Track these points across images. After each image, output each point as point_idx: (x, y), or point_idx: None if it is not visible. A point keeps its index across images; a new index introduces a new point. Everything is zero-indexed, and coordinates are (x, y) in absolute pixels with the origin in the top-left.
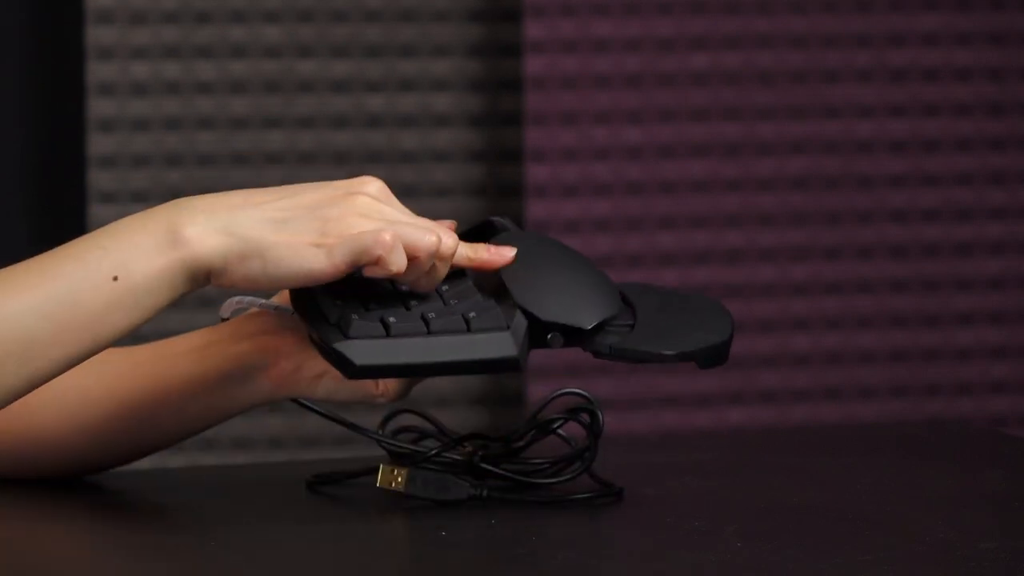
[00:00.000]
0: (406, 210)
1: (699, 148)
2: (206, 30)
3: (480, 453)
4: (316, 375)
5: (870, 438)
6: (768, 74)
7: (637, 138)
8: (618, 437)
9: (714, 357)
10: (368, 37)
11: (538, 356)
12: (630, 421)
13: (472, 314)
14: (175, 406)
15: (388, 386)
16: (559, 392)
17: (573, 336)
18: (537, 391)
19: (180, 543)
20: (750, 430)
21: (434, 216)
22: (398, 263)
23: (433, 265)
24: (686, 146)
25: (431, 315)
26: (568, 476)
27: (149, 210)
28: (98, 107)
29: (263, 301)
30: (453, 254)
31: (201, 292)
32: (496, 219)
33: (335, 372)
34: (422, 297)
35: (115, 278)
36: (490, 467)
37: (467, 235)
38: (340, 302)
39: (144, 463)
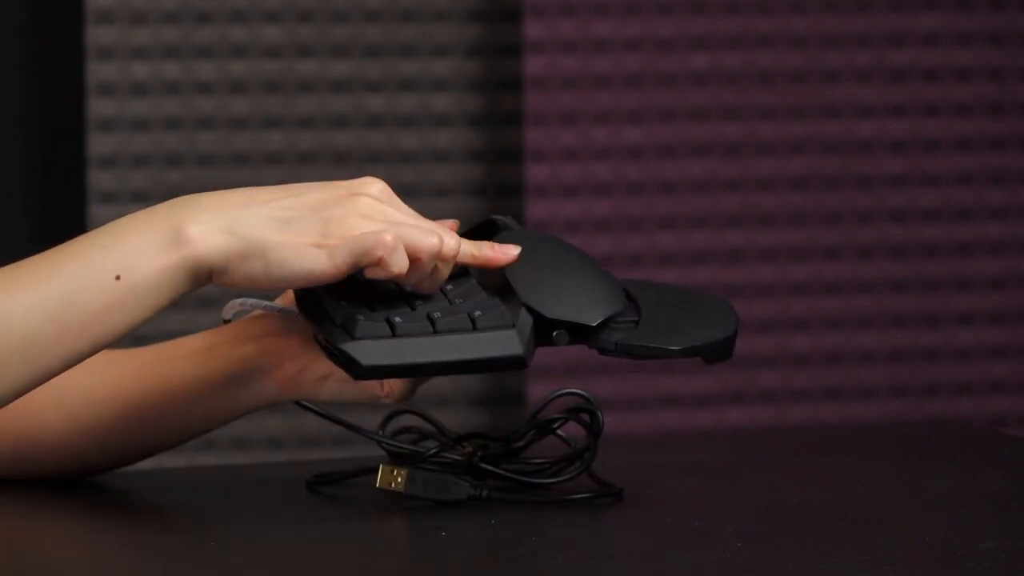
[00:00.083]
0: (410, 210)
1: (699, 148)
2: (206, 30)
3: (480, 453)
4: (321, 377)
5: (870, 438)
6: (768, 74)
7: (637, 138)
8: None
9: (719, 353)
10: (368, 37)
11: (538, 356)
12: (630, 421)
13: (477, 313)
14: (179, 408)
15: (393, 387)
16: (559, 392)
17: (578, 333)
18: (537, 391)
19: (180, 543)
20: (750, 430)
21: (435, 216)
22: (400, 264)
23: (435, 266)
24: (686, 146)
25: (436, 315)
26: (568, 476)
27: (151, 208)
28: (98, 107)
29: (267, 303)
30: (456, 254)
31: (202, 292)
32: (498, 218)
33: (340, 374)
34: (427, 297)
35: (117, 277)
36: (490, 467)
37: (469, 234)
38: (345, 303)
39: (144, 463)
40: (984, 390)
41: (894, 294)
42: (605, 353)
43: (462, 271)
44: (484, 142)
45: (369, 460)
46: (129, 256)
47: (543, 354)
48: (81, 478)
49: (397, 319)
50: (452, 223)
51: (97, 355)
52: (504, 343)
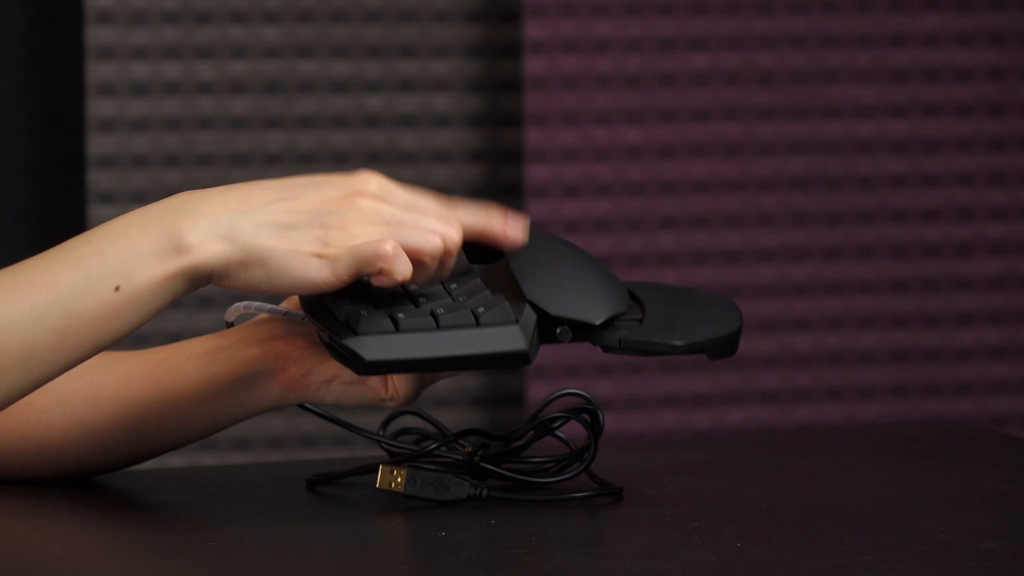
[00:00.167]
0: (411, 200)
1: (699, 148)
2: (206, 30)
3: (480, 453)
4: (325, 380)
5: (870, 438)
6: (768, 74)
7: (637, 138)
8: (618, 437)
9: (724, 348)
10: (368, 37)
11: (539, 356)
12: (630, 421)
13: (481, 309)
14: (182, 411)
15: (398, 389)
16: (559, 392)
17: (582, 331)
18: (537, 391)
19: (180, 543)
20: (750, 430)
21: None
22: (403, 271)
23: (440, 262)
24: (686, 146)
25: (440, 311)
26: (568, 476)
27: (148, 209)
28: (98, 107)
29: (271, 306)
30: (458, 246)
31: (203, 293)
32: None
33: (344, 376)
34: (431, 294)
35: (117, 288)
36: (490, 467)
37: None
38: (349, 300)
39: (145, 463)
40: (984, 390)
41: (894, 294)
42: (609, 350)
43: (467, 270)
44: (484, 142)
45: (369, 460)
46: (128, 264)
47: (543, 354)
48: (82, 478)
49: (400, 315)
50: None
51: (100, 356)
52: (508, 339)
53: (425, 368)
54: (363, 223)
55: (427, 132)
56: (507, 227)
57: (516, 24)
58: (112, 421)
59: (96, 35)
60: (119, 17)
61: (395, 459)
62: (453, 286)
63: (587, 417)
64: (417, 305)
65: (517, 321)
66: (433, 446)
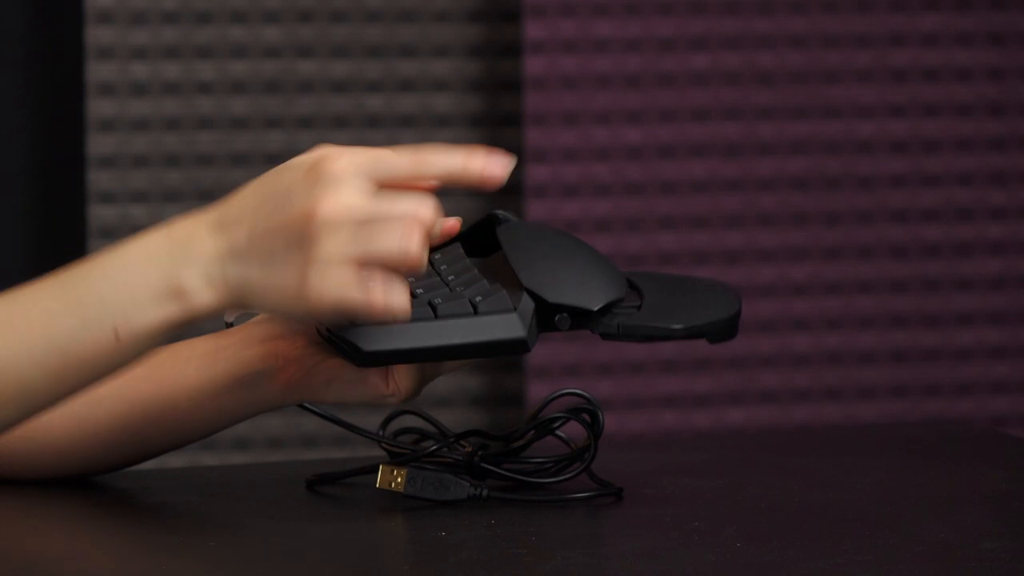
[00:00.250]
0: (378, 170)
1: (699, 148)
2: (206, 30)
3: (480, 453)
4: (326, 379)
5: (870, 438)
6: (768, 74)
7: (637, 138)
8: (618, 437)
9: (723, 332)
10: (368, 37)
11: (538, 356)
12: (630, 421)
13: (479, 298)
14: (183, 411)
15: (399, 386)
16: (559, 392)
17: (581, 318)
18: (537, 391)
19: (180, 543)
20: (750, 430)
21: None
22: (400, 303)
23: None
24: (686, 146)
25: (438, 300)
26: (568, 476)
27: (146, 245)
28: (98, 107)
29: None
30: (433, 219)
31: None
32: (499, 212)
33: (345, 376)
34: (429, 284)
35: (116, 335)
36: (490, 467)
37: (470, 230)
38: None
39: (145, 463)
40: (984, 390)
41: (894, 294)
42: (608, 337)
43: (463, 260)
44: (484, 142)
45: (369, 460)
46: (126, 310)
47: (543, 354)
48: (82, 478)
49: None
50: (455, 220)
51: None
52: (506, 326)
53: (424, 358)
54: (336, 265)
55: (427, 132)
56: (487, 167)
57: (516, 24)
58: (112, 421)
59: (96, 35)
60: (119, 17)
61: (395, 459)
62: (451, 277)
63: (587, 417)
64: (415, 295)
65: (515, 309)
66: (433, 446)
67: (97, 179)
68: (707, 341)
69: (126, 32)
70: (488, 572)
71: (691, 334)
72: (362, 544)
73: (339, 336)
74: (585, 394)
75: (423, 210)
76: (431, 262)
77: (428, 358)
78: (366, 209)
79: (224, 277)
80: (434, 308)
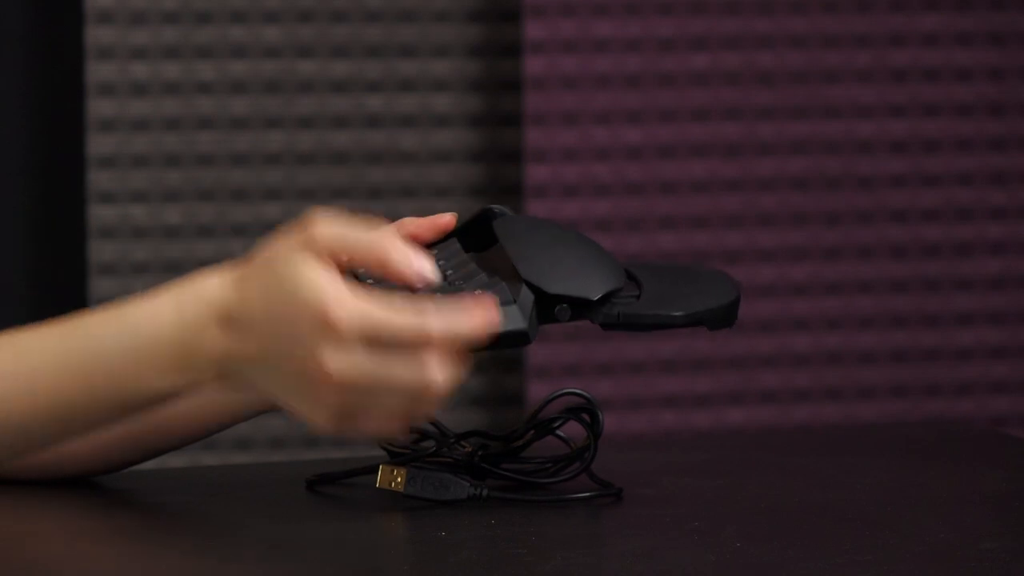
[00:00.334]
0: (379, 333)
1: (699, 148)
2: (206, 30)
3: (480, 453)
4: None
5: (870, 438)
6: (768, 74)
7: (637, 138)
8: (618, 437)
9: (722, 319)
10: (368, 37)
11: (538, 356)
12: (630, 421)
13: (478, 291)
14: (181, 412)
15: None
16: (559, 392)
17: (580, 308)
18: (537, 391)
19: (180, 543)
20: (750, 430)
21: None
22: (428, 415)
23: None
24: (686, 146)
25: (439, 295)
26: (568, 476)
27: (154, 323)
28: (98, 107)
29: None
30: (444, 387)
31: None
32: (494, 207)
33: None
34: None
35: (123, 403)
36: (490, 467)
37: (466, 225)
38: None
39: (145, 463)
40: (984, 390)
41: (894, 294)
42: (608, 327)
43: (462, 255)
44: (484, 142)
45: (369, 460)
46: (136, 384)
47: (544, 354)
48: (82, 478)
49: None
50: (450, 216)
51: None
52: (506, 318)
53: None
54: (341, 409)
55: (427, 132)
56: (490, 322)
57: (516, 24)
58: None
59: (96, 35)
60: (119, 17)
61: (395, 459)
62: (449, 271)
63: (586, 417)
64: (414, 291)
65: (515, 301)
66: (433, 446)
67: (97, 179)
68: (707, 328)
69: (126, 32)
70: (488, 572)
71: (691, 321)
72: (362, 544)
73: None
74: (585, 394)
75: (431, 380)
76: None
77: None
78: (374, 374)
79: (232, 370)
80: None
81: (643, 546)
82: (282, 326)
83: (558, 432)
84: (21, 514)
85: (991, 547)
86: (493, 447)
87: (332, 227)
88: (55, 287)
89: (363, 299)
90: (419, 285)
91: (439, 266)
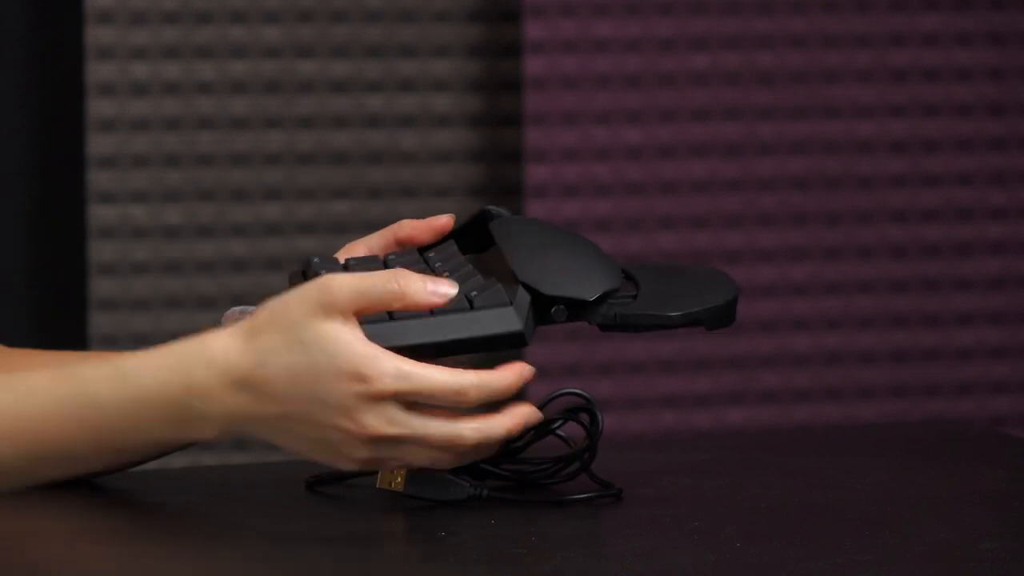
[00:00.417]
0: (417, 395)
1: (699, 148)
2: (206, 30)
3: None
4: None
5: (870, 438)
6: (768, 74)
7: (637, 138)
8: (618, 437)
9: (720, 319)
10: (368, 37)
11: (538, 356)
12: (630, 421)
13: (474, 292)
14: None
15: None
16: (559, 392)
17: (577, 309)
18: (537, 391)
19: (180, 543)
20: (750, 430)
21: (431, 216)
22: (482, 453)
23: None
24: (686, 146)
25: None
26: (567, 476)
27: (161, 386)
28: (98, 107)
29: None
30: (470, 445)
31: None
32: (491, 208)
33: None
34: None
35: (125, 454)
36: (490, 467)
37: (464, 227)
38: None
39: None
40: (984, 390)
41: (894, 294)
42: (605, 328)
43: (455, 255)
44: (484, 142)
45: None
46: (139, 440)
47: (543, 354)
48: (82, 479)
49: None
50: (447, 218)
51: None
52: (502, 320)
53: (423, 355)
54: (365, 458)
55: (427, 132)
56: (515, 378)
57: (516, 24)
58: None
59: (96, 35)
60: (119, 17)
61: None
62: (445, 273)
63: (585, 418)
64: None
65: (511, 302)
66: None
67: (97, 179)
68: (704, 328)
69: (126, 32)
70: (488, 572)
71: (688, 321)
72: (362, 544)
73: None
74: (584, 394)
75: (463, 433)
76: (425, 260)
77: (425, 355)
78: (409, 429)
79: (238, 430)
80: None
81: (643, 546)
82: (314, 389)
83: (558, 432)
84: (21, 514)
85: (991, 547)
86: None
87: (347, 283)
88: (55, 287)
89: (394, 357)
90: (442, 303)
91: (436, 267)
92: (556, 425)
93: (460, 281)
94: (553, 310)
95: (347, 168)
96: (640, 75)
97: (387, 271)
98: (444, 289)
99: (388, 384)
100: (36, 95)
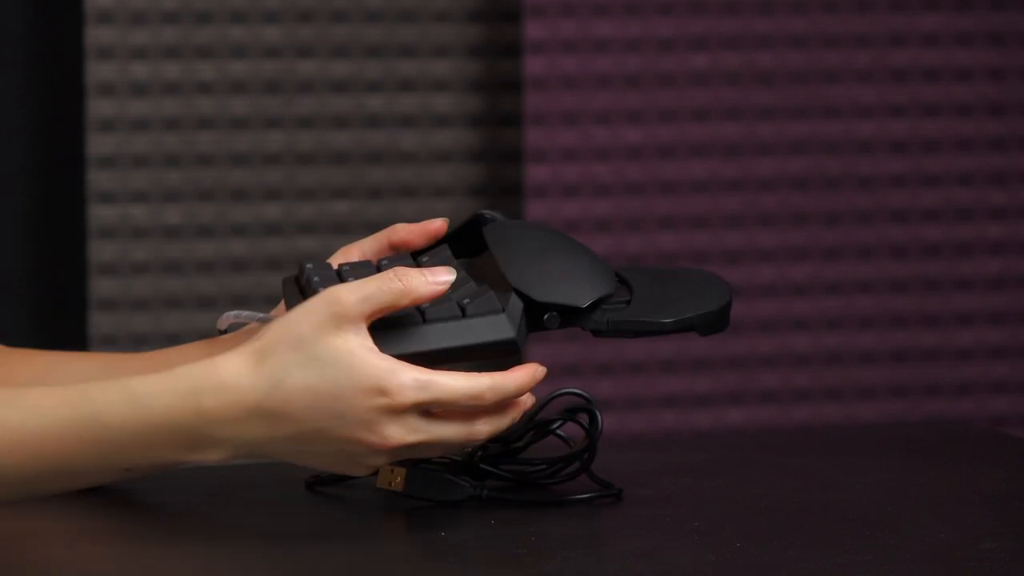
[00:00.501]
0: (436, 402)
1: (699, 148)
2: (206, 30)
3: (480, 453)
4: None
5: (870, 438)
6: (768, 74)
7: (637, 138)
8: (618, 437)
9: (714, 324)
10: (368, 37)
11: (538, 356)
12: (630, 421)
13: (466, 300)
14: None
15: None
16: (558, 392)
17: (570, 316)
18: (537, 391)
19: (180, 543)
20: (750, 430)
21: (431, 215)
22: (490, 431)
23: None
24: (686, 146)
25: (425, 304)
26: (567, 476)
27: (168, 407)
28: (98, 107)
29: (261, 316)
30: (483, 439)
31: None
32: (486, 212)
33: None
34: None
35: (129, 471)
36: (489, 467)
37: (458, 230)
38: None
39: None
40: (984, 390)
41: (894, 294)
42: (599, 334)
43: (449, 261)
44: (484, 142)
45: None
46: (144, 458)
47: (543, 354)
48: None
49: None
50: (441, 222)
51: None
52: (495, 327)
53: (416, 364)
54: (380, 463)
55: (427, 132)
56: (527, 379)
57: (516, 24)
58: None
59: (96, 35)
60: (119, 17)
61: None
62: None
63: (585, 418)
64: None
65: (504, 310)
66: None
67: (97, 179)
68: (698, 333)
69: (126, 32)
70: (488, 572)
71: (681, 327)
72: (362, 544)
73: None
74: (584, 393)
75: (479, 433)
76: (419, 264)
77: (420, 363)
78: (429, 435)
79: (250, 453)
80: (422, 312)
81: (643, 546)
82: (334, 406)
83: (558, 432)
84: (21, 514)
85: (991, 547)
86: (493, 448)
87: (353, 292)
88: (55, 287)
89: (410, 367)
90: (445, 289)
91: None
92: (556, 425)
93: (453, 287)
94: (546, 317)
95: (347, 168)
96: (640, 75)
97: (385, 272)
98: (443, 276)
99: (409, 396)
100: (36, 95)
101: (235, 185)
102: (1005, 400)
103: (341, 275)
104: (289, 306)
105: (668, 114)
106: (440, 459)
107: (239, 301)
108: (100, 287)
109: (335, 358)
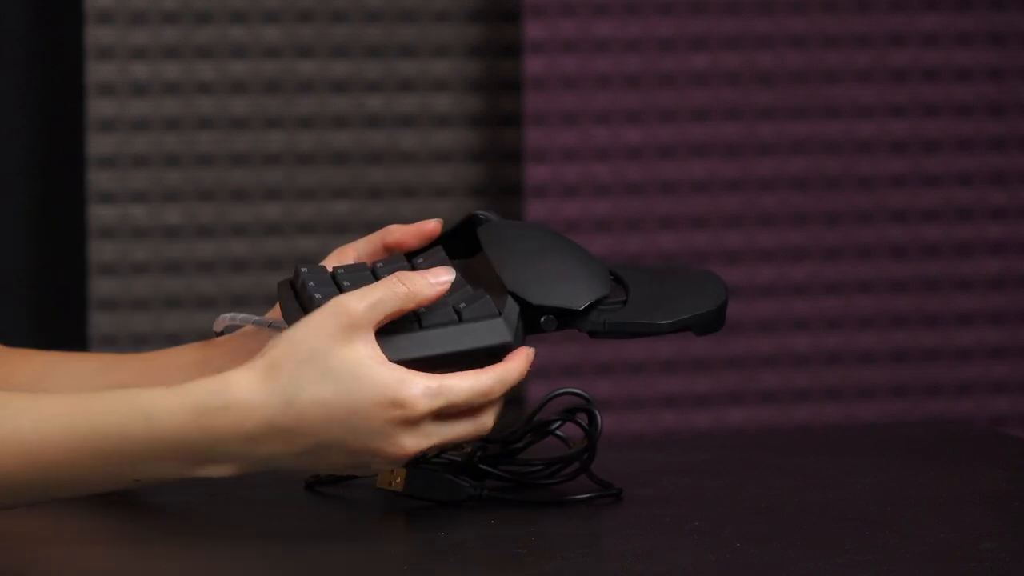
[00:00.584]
0: (448, 403)
1: (699, 148)
2: (206, 30)
3: (479, 453)
4: None
5: (870, 438)
6: (768, 74)
7: (637, 138)
8: (618, 437)
9: (710, 324)
10: (368, 37)
11: (538, 356)
12: (630, 421)
13: (462, 305)
14: None
15: None
16: (557, 392)
17: (566, 318)
18: (536, 391)
19: (180, 543)
20: (750, 430)
21: (430, 215)
22: (483, 428)
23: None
24: (686, 146)
25: (422, 310)
26: (566, 477)
27: (176, 423)
28: (98, 107)
29: (257, 318)
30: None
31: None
32: (480, 213)
33: None
34: None
35: (136, 482)
36: (489, 468)
37: (452, 230)
38: None
39: None
40: (984, 390)
41: (894, 294)
42: (596, 336)
43: (444, 263)
44: (484, 142)
45: None
46: (152, 471)
47: (543, 354)
48: None
49: None
50: (435, 222)
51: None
52: (491, 332)
53: (412, 369)
54: (390, 464)
55: (427, 132)
56: (523, 365)
57: (516, 24)
58: None
59: (96, 35)
60: (119, 17)
61: None
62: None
63: (584, 418)
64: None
65: (500, 314)
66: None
67: (97, 179)
68: (694, 333)
69: (126, 32)
70: (488, 572)
71: (677, 328)
72: (362, 544)
73: None
74: (583, 393)
75: (486, 427)
76: (413, 266)
77: (417, 369)
78: (442, 437)
79: (262, 468)
80: (419, 318)
81: (643, 546)
82: (349, 419)
83: (557, 432)
84: (21, 514)
85: (991, 547)
86: (492, 448)
87: (359, 300)
88: (55, 287)
89: (420, 376)
90: (446, 289)
91: None
92: (555, 426)
93: (449, 291)
94: (543, 320)
95: (347, 168)
96: (640, 75)
97: (388, 278)
98: (443, 276)
99: (423, 405)
100: (36, 95)
101: (235, 185)
102: (1005, 400)
103: (336, 279)
104: (284, 309)
105: (668, 114)
106: (440, 459)
107: (239, 301)
108: (100, 287)
109: (347, 371)
